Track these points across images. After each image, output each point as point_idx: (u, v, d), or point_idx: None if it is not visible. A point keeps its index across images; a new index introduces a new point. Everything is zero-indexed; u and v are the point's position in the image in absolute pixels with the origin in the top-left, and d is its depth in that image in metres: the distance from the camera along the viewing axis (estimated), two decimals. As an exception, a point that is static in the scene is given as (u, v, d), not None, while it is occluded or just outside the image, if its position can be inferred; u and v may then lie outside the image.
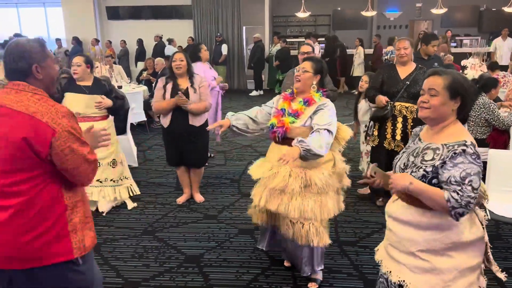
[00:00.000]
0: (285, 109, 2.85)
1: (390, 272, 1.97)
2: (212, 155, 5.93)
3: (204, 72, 5.25)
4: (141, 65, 11.29)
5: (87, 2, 13.00)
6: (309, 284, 2.99)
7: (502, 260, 3.28)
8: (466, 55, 8.72)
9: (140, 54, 12.19)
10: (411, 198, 1.87)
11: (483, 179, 3.44)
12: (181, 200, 4.47)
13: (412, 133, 2.10)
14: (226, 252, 3.47)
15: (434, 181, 1.80)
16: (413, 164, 1.86)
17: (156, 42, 12.19)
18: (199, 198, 4.49)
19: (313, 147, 2.51)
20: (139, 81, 8.63)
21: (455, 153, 1.74)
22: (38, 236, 1.76)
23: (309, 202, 2.74)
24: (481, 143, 4.49)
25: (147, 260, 3.36)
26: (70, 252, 1.82)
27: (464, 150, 1.73)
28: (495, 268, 1.98)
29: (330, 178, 2.78)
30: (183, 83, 4.11)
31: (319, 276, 3.01)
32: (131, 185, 4.39)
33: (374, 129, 4.11)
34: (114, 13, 13.26)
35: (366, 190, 4.56)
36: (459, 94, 1.81)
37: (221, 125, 2.89)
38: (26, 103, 1.73)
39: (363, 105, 4.59)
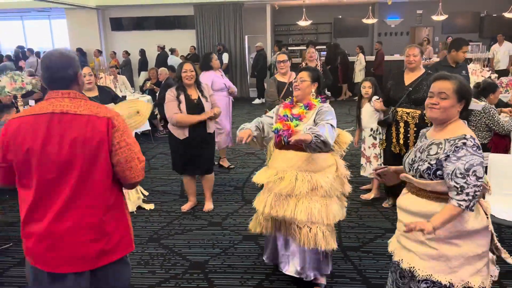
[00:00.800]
0: (287, 115, 2.92)
1: (402, 260, 2.11)
2: (232, 165, 5.97)
3: (214, 80, 5.44)
4: (143, 75, 11.41)
5: (91, 14, 13.19)
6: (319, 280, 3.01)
7: (505, 264, 3.29)
8: (467, 61, 8.77)
9: (143, 64, 12.33)
10: (419, 191, 2.04)
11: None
12: (186, 207, 4.51)
13: (420, 133, 2.25)
14: (230, 258, 3.51)
15: (439, 172, 1.95)
16: (420, 159, 2.03)
17: (159, 52, 12.31)
18: (209, 206, 4.48)
19: (323, 134, 2.58)
20: (142, 91, 8.72)
21: (457, 147, 1.89)
22: (116, 232, 1.95)
23: (316, 205, 2.77)
24: (482, 148, 4.51)
25: (153, 267, 3.40)
26: (131, 244, 2.05)
27: (464, 143, 1.89)
28: (504, 254, 2.09)
29: (334, 182, 2.84)
30: (193, 92, 4.20)
31: (323, 280, 3.04)
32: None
33: (383, 133, 4.33)
34: (118, 24, 13.43)
35: (369, 196, 4.60)
36: (464, 97, 1.99)
37: (248, 133, 2.91)
38: (85, 107, 1.87)
39: (368, 108, 4.59)
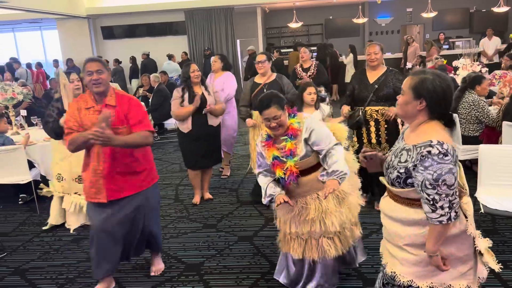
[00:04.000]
0: (277, 157, 2.64)
1: (387, 263, 2.05)
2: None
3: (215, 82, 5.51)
4: (135, 82, 11.42)
5: (82, 24, 13.20)
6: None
7: (499, 253, 3.30)
8: (457, 57, 8.82)
9: (134, 72, 12.35)
10: (395, 196, 1.95)
11: (476, 174, 3.50)
12: (196, 201, 4.74)
13: (401, 131, 2.17)
14: (226, 259, 3.50)
15: (409, 180, 1.85)
16: (392, 165, 1.93)
17: (143, 60, 12.33)
18: (208, 195, 4.84)
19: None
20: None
21: (422, 156, 1.76)
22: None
23: (343, 211, 2.73)
24: (474, 140, 4.54)
25: (148, 270, 3.39)
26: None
27: (429, 152, 1.74)
28: (486, 259, 1.96)
29: (351, 179, 2.82)
30: (198, 90, 4.48)
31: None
32: None
33: (354, 136, 4.16)
34: (109, 33, 13.44)
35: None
36: (422, 95, 1.82)
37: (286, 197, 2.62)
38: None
39: (317, 115, 4.15)
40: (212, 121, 4.53)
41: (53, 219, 4.28)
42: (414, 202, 1.88)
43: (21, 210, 4.88)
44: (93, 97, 2.86)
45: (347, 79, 11.37)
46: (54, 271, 3.49)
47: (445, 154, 1.74)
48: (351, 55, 11.49)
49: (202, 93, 4.46)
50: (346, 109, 4.14)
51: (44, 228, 4.29)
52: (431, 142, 1.76)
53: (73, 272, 3.45)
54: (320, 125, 2.71)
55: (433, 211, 1.76)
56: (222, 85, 5.38)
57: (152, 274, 3.32)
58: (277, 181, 2.76)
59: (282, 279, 3.00)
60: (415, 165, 1.79)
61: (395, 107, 3.86)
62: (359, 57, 11.77)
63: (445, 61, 8.67)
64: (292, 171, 2.60)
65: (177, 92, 4.50)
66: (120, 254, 3.07)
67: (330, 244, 2.74)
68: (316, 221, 2.71)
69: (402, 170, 1.85)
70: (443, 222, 1.76)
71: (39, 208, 4.76)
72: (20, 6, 9.97)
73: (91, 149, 2.84)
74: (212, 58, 5.70)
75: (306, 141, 2.62)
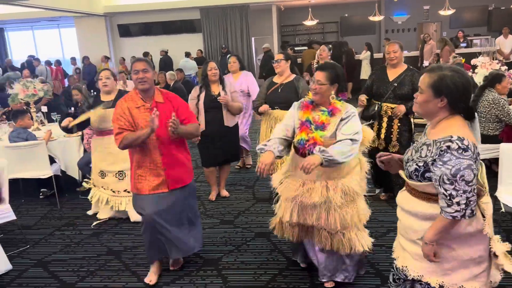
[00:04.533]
0: (310, 121, 2.72)
1: (398, 257, 2.06)
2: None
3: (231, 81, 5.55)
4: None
5: (99, 21, 13.36)
6: (326, 284, 3.00)
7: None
8: (476, 55, 8.71)
9: (152, 69, 12.43)
10: (413, 190, 1.95)
11: (495, 173, 3.47)
12: (212, 197, 4.79)
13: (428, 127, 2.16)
14: (243, 255, 3.53)
15: (427, 174, 1.84)
16: (412, 159, 1.93)
17: (161, 57, 12.43)
18: (225, 193, 4.85)
19: (337, 157, 2.50)
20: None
21: (441, 151, 1.75)
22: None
23: (348, 211, 2.72)
24: (493, 139, 4.49)
25: (167, 265, 3.43)
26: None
27: (449, 147, 1.73)
28: (502, 261, 1.89)
29: (361, 182, 2.80)
30: (216, 89, 4.48)
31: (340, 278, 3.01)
32: None
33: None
34: (126, 31, 13.58)
35: (383, 196, 4.52)
36: (442, 93, 1.80)
37: (270, 164, 2.61)
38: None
39: None
40: (228, 122, 4.51)
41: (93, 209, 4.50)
42: (431, 197, 1.87)
43: (42, 204, 4.98)
44: (140, 96, 3.02)
45: (363, 76, 11.33)
46: (75, 263, 3.56)
47: (465, 150, 1.72)
48: (367, 53, 11.42)
49: (219, 93, 4.45)
50: (363, 97, 4.20)
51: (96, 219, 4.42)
52: (451, 137, 1.75)
53: (94, 265, 3.52)
54: (357, 121, 2.70)
55: (449, 206, 1.74)
56: (246, 84, 5.51)
57: (171, 268, 3.37)
58: (285, 140, 2.78)
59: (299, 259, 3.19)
60: (434, 160, 1.78)
61: (403, 106, 3.92)
62: (376, 55, 11.71)
63: (463, 60, 8.56)
64: (315, 140, 2.65)
65: (194, 91, 4.55)
66: (168, 244, 3.17)
67: (328, 237, 2.78)
68: (321, 210, 2.71)
69: (420, 164, 1.85)
70: (456, 218, 1.74)
71: (60, 202, 4.85)
72: (39, 4, 10.13)
73: (145, 146, 2.98)
74: (230, 59, 5.63)
75: (341, 121, 2.65)
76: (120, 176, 4.19)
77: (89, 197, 4.42)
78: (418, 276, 1.93)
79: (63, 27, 15.67)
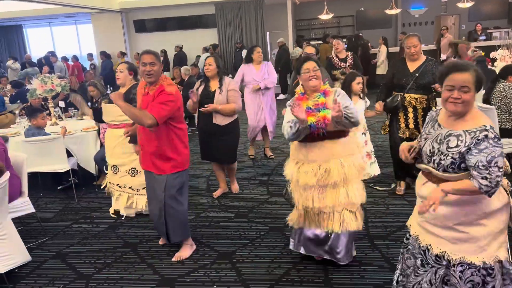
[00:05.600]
0: (310, 107, 2.86)
1: (430, 245, 2.13)
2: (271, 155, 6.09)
3: (245, 72, 5.66)
4: (166, 75, 11.54)
5: (115, 17, 13.47)
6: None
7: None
8: (495, 48, 8.54)
9: (166, 65, 12.51)
10: (442, 181, 2.02)
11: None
12: (216, 194, 4.76)
13: (428, 117, 2.22)
14: (257, 249, 3.55)
15: (462, 165, 1.96)
16: (440, 152, 2.00)
17: (176, 52, 12.48)
18: (234, 188, 4.84)
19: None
20: (167, 90, 8.85)
21: (478, 139, 1.88)
22: None
23: (360, 185, 3.01)
24: (509, 133, 4.41)
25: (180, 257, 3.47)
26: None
27: (486, 136, 1.88)
28: None
29: (361, 164, 3.05)
30: (213, 85, 4.41)
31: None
32: None
33: (387, 119, 4.35)
34: (141, 26, 13.66)
35: (400, 190, 4.48)
36: (480, 87, 1.99)
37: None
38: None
39: (361, 105, 4.40)
40: (218, 120, 4.34)
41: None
42: None
43: (60, 198, 5.07)
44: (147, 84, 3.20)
45: (379, 71, 11.19)
46: (92, 255, 3.62)
47: (499, 138, 1.90)
48: (383, 47, 11.27)
49: (215, 90, 4.34)
50: (379, 107, 4.25)
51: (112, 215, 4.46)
52: (486, 126, 1.90)
53: (110, 257, 3.58)
54: (347, 97, 2.99)
55: (483, 179, 1.88)
56: (267, 72, 5.65)
57: (173, 259, 3.44)
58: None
59: (302, 250, 3.20)
60: (469, 149, 1.90)
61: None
62: (392, 49, 11.55)
63: (483, 53, 8.40)
64: (324, 118, 2.81)
65: (196, 84, 4.59)
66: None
67: (351, 218, 2.97)
68: (339, 189, 2.91)
69: (456, 156, 1.95)
70: (482, 190, 1.89)
71: (77, 196, 4.94)
72: (56, 1, 10.26)
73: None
74: (257, 49, 5.70)
75: (335, 102, 2.80)
76: (133, 173, 4.23)
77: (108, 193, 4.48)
78: (460, 258, 2.03)
79: (80, 23, 15.85)
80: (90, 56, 13.50)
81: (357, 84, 4.34)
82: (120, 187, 4.26)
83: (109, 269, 3.39)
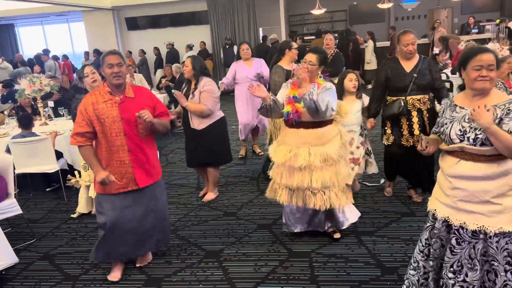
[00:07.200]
0: (296, 96, 3.19)
1: (465, 222, 2.20)
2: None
3: (237, 70, 5.60)
4: (159, 72, 11.55)
5: (107, 15, 13.41)
6: (335, 235, 3.52)
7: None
8: (487, 41, 8.55)
9: (161, 62, 12.48)
10: (477, 157, 2.15)
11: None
12: (201, 193, 4.76)
13: (443, 106, 2.35)
14: (245, 247, 3.55)
15: None
16: (472, 128, 2.14)
17: (168, 50, 12.43)
18: (207, 197, 4.61)
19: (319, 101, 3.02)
20: (159, 89, 8.84)
21: (509, 110, 2.08)
22: None
23: (327, 174, 3.20)
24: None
25: (170, 257, 3.48)
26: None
27: None
28: None
29: (340, 150, 3.25)
30: (192, 86, 4.33)
31: (338, 235, 3.53)
32: None
33: (387, 128, 3.98)
34: (133, 24, 13.61)
35: (389, 192, 4.42)
36: (499, 64, 2.26)
37: (265, 95, 3.20)
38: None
39: (358, 105, 4.06)
40: (194, 124, 4.27)
41: (82, 207, 4.42)
42: (495, 157, 2.11)
43: (50, 198, 5.06)
44: (110, 90, 2.91)
45: (368, 67, 11.18)
46: (80, 256, 3.62)
47: None
48: (370, 42, 11.25)
49: (192, 91, 4.25)
50: (372, 122, 4.02)
51: (72, 216, 4.44)
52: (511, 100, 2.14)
53: (98, 257, 3.57)
54: (332, 92, 3.15)
55: None
56: (260, 70, 5.54)
57: (137, 265, 3.35)
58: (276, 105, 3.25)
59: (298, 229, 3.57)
60: (501, 119, 2.08)
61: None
62: (382, 44, 11.53)
63: (476, 45, 8.39)
64: (297, 110, 3.15)
65: (184, 85, 4.48)
66: (135, 244, 3.20)
67: (311, 197, 3.26)
68: (304, 173, 3.20)
69: None
70: None
71: (67, 196, 4.93)
72: (48, 0, 10.20)
73: (112, 143, 2.91)
74: (243, 46, 5.60)
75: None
76: None
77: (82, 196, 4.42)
78: (499, 229, 2.12)
79: (72, 22, 15.77)
80: (86, 54, 13.42)
81: (349, 81, 4.02)
82: None
83: (96, 270, 3.38)
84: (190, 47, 12.40)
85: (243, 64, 5.61)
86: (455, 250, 2.25)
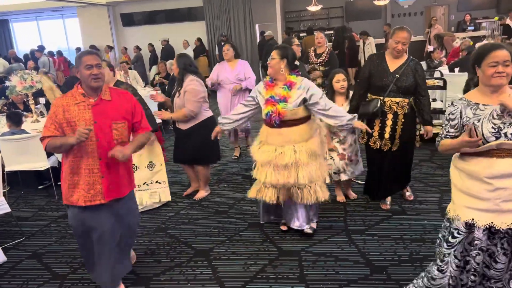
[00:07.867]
0: (273, 96, 3.27)
1: (494, 222, 2.15)
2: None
3: (219, 71, 5.46)
4: (154, 69, 11.48)
5: (102, 11, 13.32)
6: (306, 230, 3.53)
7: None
8: (481, 38, 8.54)
9: (155, 59, 12.42)
10: (510, 151, 2.12)
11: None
12: (186, 192, 4.72)
13: (456, 109, 2.24)
14: (235, 245, 3.54)
15: None
16: (507, 123, 2.11)
17: (163, 46, 12.37)
18: (198, 195, 4.59)
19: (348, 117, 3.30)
20: (153, 85, 8.79)
21: None
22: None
23: (313, 168, 3.29)
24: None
25: (159, 256, 3.46)
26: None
27: None
28: None
29: (321, 144, 3.43)
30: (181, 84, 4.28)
31: (314, 225, 3.61)
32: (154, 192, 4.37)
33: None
34: (129, 20, 13.54)
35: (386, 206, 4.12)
36: None
37: (217, 132, 3.56)
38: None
39: (345, 106, 3.92)
40: (180, 124, 4.30)
41: None
42: None
43: (41, 196, 5.03)
44: (84, 92, 2.65)
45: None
46: (69, 255, 3.59)
47: None
48: (371, 39, 11.22)
49: (174, 93, 4.27)
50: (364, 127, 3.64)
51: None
52: None
53: (87, 256, 3.55)
54: (317, 90, 3.29)
55: None
56: (243, 73, 5.37)
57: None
58: (241, 116, 3.50)
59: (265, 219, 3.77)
60: None
61: (430, 127, 3.73)
62: (378, 41, 11.50)
63: (471, 43, 8.38)
64: (278, 111, 3.21)
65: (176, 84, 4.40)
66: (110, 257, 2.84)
67: (298, 192, 3.33)
68: (291, 170, 3.24)
69: None
70: None
71: (57, 194, 4.89)
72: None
73: (82, 148, 2.60)
74: (224, 47, 5.49)
75: (305, 98, 3.22)
76: (151, 168, 4.28)
77: None
78: None
79: (67, 17, 15.66)
80: (78, 50, 13.34)
81: (337, 82, 3.90)
82: None
83: (84, 269, 3.35)
84: (188, 44, 12.33)
85: (226, 65, 5.46)
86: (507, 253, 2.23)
